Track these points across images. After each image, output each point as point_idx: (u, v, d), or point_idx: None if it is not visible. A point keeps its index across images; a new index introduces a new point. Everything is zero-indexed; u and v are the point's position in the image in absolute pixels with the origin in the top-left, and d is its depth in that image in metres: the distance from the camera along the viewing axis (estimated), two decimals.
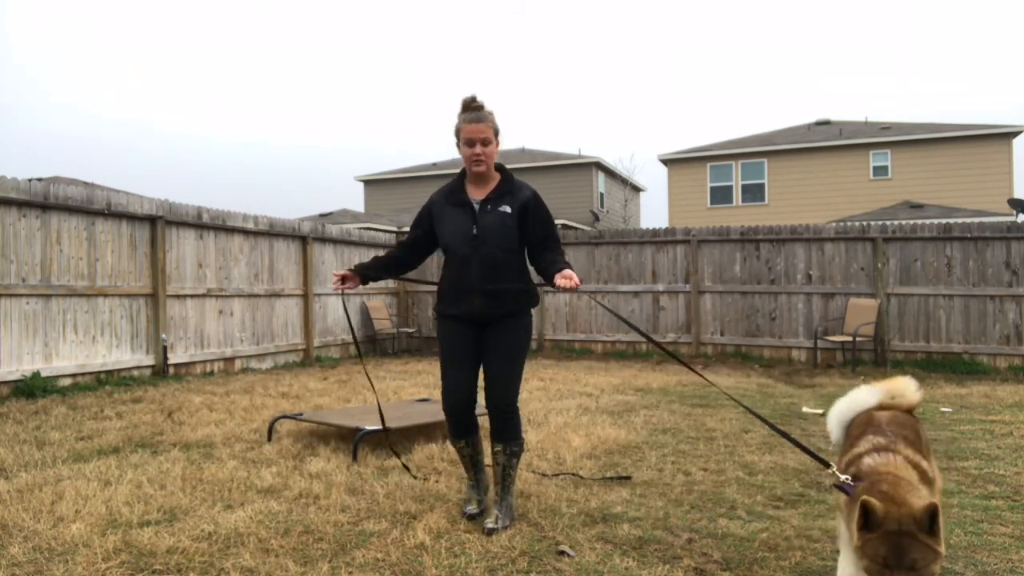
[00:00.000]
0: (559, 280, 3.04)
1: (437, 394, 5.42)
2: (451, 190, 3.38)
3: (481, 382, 3.35)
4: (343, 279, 3.43)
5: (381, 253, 3.63)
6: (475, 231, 3.23)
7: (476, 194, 3.32)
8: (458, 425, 3.38)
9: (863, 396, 2.59)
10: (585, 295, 11.75)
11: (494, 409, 3.32)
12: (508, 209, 3.25)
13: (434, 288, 3.57)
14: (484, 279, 3.22)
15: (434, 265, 11.70)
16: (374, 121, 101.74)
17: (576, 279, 3.05)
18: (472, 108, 3.24)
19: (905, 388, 2.59)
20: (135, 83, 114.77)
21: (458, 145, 3.29)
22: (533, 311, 3.46)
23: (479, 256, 3.22)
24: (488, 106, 3.28)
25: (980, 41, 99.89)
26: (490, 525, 3.19)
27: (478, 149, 3.21)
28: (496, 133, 3.27)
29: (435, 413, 5.02)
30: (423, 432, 5.18)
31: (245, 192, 74.25)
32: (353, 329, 4.64)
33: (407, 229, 3.57)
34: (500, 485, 3.34)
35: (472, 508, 3.41)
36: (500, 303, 3.24)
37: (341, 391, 7.50)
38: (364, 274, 3.46)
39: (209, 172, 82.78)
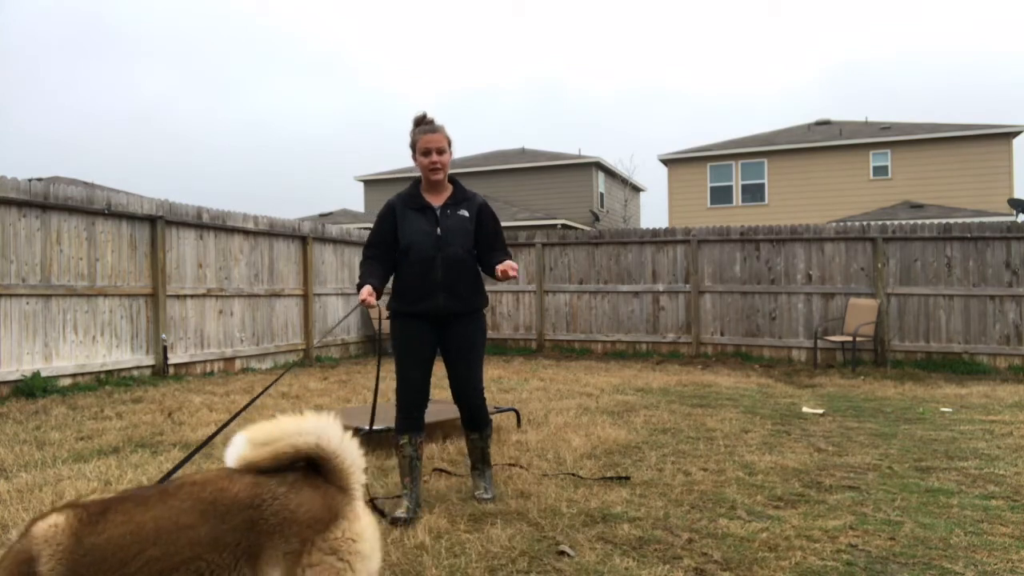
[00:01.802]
0: (497, 268, 3.40)
1: (436, 394, 5.42)
2: (410, 195, 3.59)
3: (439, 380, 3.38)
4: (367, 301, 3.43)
5: (376, 266, 3.56)
6: (439, 232, 3.47)
7: (434, 201, 3.55)
8: (408, 420, 3.51)
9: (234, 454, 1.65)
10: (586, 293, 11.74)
11: (468, 405, 3.60)
12: (466, 213, 3.54)
13: None
14: (448, 277, 3.45)
15: None
16: (374, 121, 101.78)
17: (514, 268, 3.39)
18: (426, 122, 3.50)
19: (273, 434, 1.62)
20: (135, 83, 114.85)
21: (414, 157, 3.52)
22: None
23: (443, 256, 3.45)
24: (439, 121, 3.53)
25: (980, 41, 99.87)
26: (482, 495, 3.58)
27: (435, 157, 3.44)
28: (449, 144, 3.51)
29: (434, 413, 5.02)
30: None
31: (245, 193, 74.29)
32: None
33: None
34: (481, 462, 3.69)
35: (401, 512, 3.31)
36: (462, 300, 3.48)
37: (341, 391, 7.51)
38: (379, 291, 3.45)
39: (209, 172, 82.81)
